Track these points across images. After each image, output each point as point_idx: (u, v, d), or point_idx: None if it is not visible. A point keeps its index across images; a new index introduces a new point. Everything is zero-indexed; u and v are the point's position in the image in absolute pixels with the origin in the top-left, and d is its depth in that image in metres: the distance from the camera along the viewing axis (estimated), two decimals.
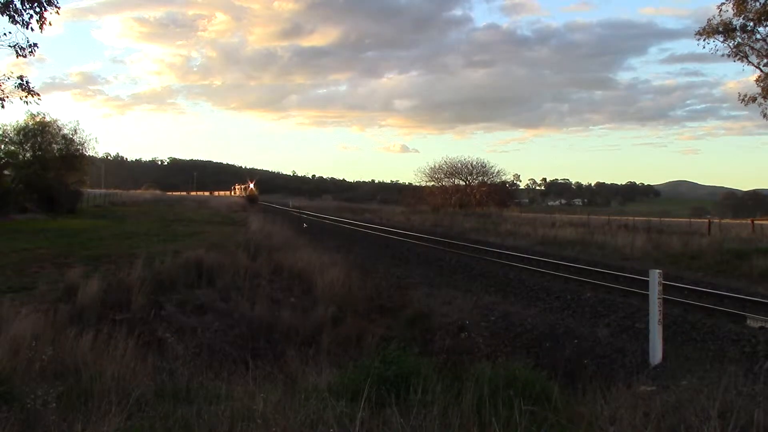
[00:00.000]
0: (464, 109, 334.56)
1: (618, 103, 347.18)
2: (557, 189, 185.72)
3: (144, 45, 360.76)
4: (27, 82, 18.76)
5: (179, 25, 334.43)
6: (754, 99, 26.59)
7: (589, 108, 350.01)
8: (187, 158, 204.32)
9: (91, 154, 48.99)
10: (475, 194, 66.08)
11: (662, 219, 41.12)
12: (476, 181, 68.70)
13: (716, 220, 33.99)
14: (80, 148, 45.69)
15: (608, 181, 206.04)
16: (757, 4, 24.79)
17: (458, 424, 3.98)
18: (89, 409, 4.38)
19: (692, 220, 39.25)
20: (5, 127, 41.84)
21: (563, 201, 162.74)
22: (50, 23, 16.57)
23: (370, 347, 8.64)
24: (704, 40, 26.40)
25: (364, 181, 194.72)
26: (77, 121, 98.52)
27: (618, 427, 4.05)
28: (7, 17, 16.04)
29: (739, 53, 26.26)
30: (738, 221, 38.80)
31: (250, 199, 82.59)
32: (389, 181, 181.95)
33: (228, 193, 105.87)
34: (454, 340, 9.81)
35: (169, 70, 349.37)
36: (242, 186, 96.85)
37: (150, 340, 8.26)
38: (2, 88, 18.95)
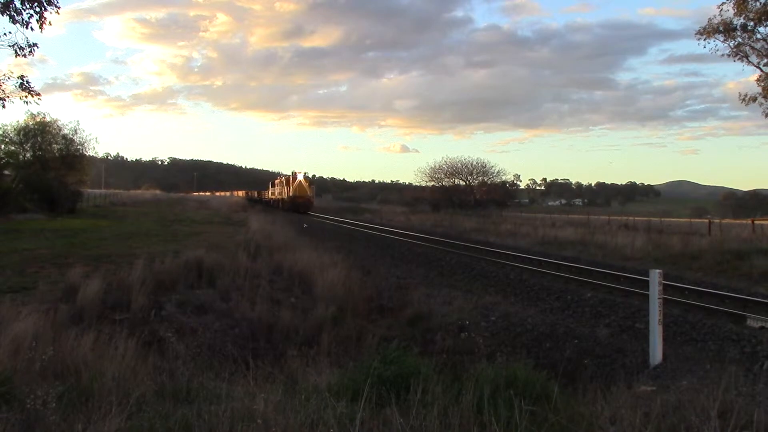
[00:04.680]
0: (464, 110, 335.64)
1: (618, 103, 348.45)
2: (557, 189, 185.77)
3: (145, 45, 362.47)
4: (27, 82, 18.85)
5: (180, 26, 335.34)
6: (754, 99, 26.59)
7: (589, 108, 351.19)
8: (188, 158, 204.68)
9: (91, 154, 49.27)
10: (475, 194, 66.13)
11: (662, 219, 41.13)
12: (476, 181, 68.79)
13: (716, 221, 33.99)
14: (80, 148, 45.92)
15: (608, 181, 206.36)
16: (758, 3, 24.79)
17: (458, 424, 3.98)
18: (89, 409, 4.38)
19: (692, 220, 39.27)
20: (5, 127, 41.97)
21: (563, 201, 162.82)
22: (50, 23, 16.62)
23: (370, 347, 8.63)
24: (704, 39, 26.42)
25: (364, 181, 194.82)
26: (77, 121, 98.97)
27: (618, 427, 4.05)
28: (7, 17, 16.08)
29: (739, 53, 26.27)
30: (738, 221, 38.79)
31: (296, 202, 49.61)
32: (389, 181, 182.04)
33: (230, 193, 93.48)
34: (454, 340, 9.80)
35: (170, 70, 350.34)
36: (280, 180, 58.36)
37: (150, 340, 8.25)
38: (3, 88, 19.01)
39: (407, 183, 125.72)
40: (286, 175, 55.24)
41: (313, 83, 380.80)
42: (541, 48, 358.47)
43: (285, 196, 52.76)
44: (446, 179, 69.42)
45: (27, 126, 41.92)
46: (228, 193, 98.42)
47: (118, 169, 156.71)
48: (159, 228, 26.74)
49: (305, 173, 53.73)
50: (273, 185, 63.59)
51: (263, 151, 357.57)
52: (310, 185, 52.67)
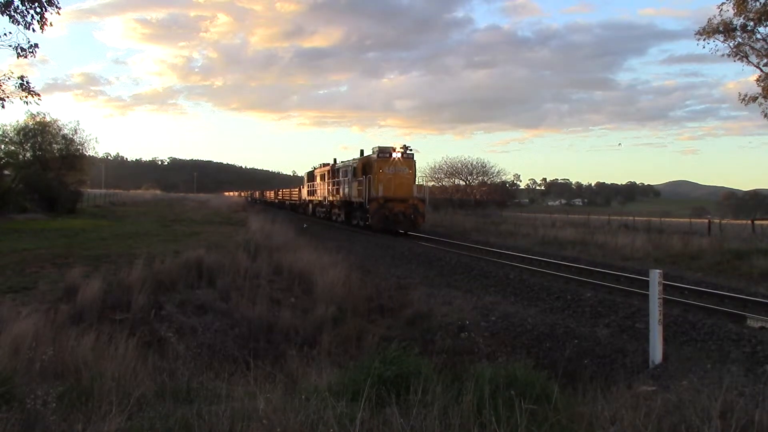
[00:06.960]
0: (464, 110, 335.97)
1: (618, 103, 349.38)
2: (557, 189, 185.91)
3: (146, 46, 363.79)
4: (27, 83, 18.91)
5: (181, 27, 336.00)
6: (754, 99, 26.63)
7: (589, 108, 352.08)
8: (188, 158, 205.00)
9: (91, 154, 49.32)
10: (475, 194, 66.18)
11: (662, 219, 41.15)
12: (476, 181, 68.95)
13: (716, 221, 34.00)
14: (80, 148, 45.98)
15: (608, 181, 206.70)
16: (758, 3, 24.82)
17: (458, 424, 3.97)
18: (89, 409, 4.38)
19: (692, 220, 39.26)
20: (5, 127, 41.98)
21: (563, 201, 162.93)
22: (51, 24, 16.65)
23: (370, 347, 8.62)
24: (704, 40, 26.46)
25: None
26: (77, 121, 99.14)
27: (619, 427, 4.05)
28: (8, 17, 16.08)
29: (739, 53, 26.31)
30: (738, 221, 38.79)
31: (391, 214, 26.16)
32: None
33: (234, 193, 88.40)
34: (454, 341, 9.79)
35: (170, 70, 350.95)
36: (328, 170, 34.57)
37: (150, 340, 8.25)
38: (3, 88, 19.04)
39: None
40: (353, 161, 29.17)
41: (314, 83, 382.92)
42: (541, 48, 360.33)
43: (362, 197, 27.27)
44: (446, 179, 69.58)
45: (27, 126, 41.94)
46: (229, 194, 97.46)
47: (118, 169, 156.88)
48: (159, 228, 26.73)
49: (407, 148, 27.08)
50: (312, 179, 38.94)
51: (263, 151, 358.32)
52: (415, 177, 27.86)
